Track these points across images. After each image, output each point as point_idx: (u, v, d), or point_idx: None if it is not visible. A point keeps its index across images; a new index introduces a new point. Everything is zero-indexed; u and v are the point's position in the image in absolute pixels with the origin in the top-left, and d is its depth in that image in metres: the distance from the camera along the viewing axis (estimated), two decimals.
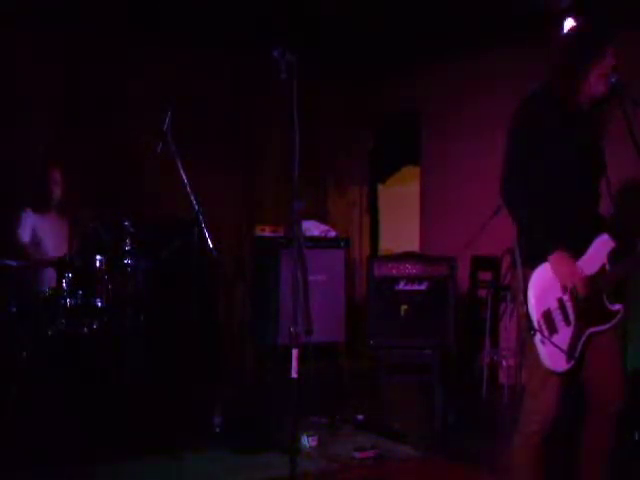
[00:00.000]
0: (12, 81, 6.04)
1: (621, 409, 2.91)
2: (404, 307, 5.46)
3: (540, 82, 2.97)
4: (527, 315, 2.82)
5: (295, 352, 2.86)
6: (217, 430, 4.58)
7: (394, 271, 5.51)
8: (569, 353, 2.82)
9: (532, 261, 2.86)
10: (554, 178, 2.86)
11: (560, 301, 2.85)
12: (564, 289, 2.83)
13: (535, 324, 2.80)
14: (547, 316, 2.83)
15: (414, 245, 7.41)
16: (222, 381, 5.56)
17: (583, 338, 2.86)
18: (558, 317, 2.84)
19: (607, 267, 2.89)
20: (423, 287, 5.46)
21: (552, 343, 2.80)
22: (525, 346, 3.00)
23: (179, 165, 4.67)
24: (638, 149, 2.78)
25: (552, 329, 2.82)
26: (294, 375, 2.86)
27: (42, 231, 5.08)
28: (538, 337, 2.80)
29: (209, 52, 6.91)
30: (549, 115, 2.86)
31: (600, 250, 2.90)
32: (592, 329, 2.87)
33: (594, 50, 2.86)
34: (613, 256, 2.90)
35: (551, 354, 2.81)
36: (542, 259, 2.83)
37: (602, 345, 2.90)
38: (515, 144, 2.90)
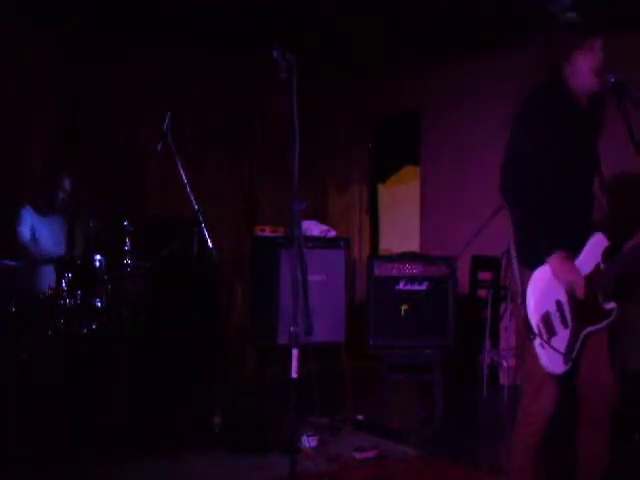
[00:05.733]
0: (12, 81, 6.04)
1: (615, 407, 2.91)
2: (404, 307, 5.45)
3: (540, 81, 2.97)
4: (526, 318, 2.81)
5: (295, 352, 2.85)
6: (217, 430, 4.58)
7: (394, 271, 5.51)
8: (567, 355, 2.82)
9: (531, 261, 2.85)
10: (552, 177, 2.86)
11: (558, 303, 2.84)
12: (565, 290, 2.82)
13: (535, 328, 2.79)
14: (546, 319, 2.82)
15: (414, 245, 7.41)
16: (222, 381, 5.55)
17: (580, 338, 2.86)
18: (556, 319, 2.83)
19: (602, 266, 2.89)
20: (423, 287, 5.46)
21: (551, 347, 2.79)
22: (522, 347, 3.00)
23: (179, 165, 4.68)
24: (637, 148, 2.77)
25: (551, 332, 2.82)
26: (294, 375, 2.85)
27: (41, 230, 5.08)
28: (537, 341, 2.79)
29: (209, 52, 6.91)
30: (549, 114, 2.86)
31: (595, 249, 2.90)
32: (589, 329, 2.87)
33: (577, 44, 2.86)
34: (607, 255, 2.90)
35: (550, 357, 2.80)
36: (542, 260, 2.82)
37: (595, 344, 2.90)
38: (516, 142, 2.89)
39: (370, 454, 4.31)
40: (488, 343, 6.11)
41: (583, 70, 2.86)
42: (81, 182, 5.27)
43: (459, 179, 7.06)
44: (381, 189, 8.23)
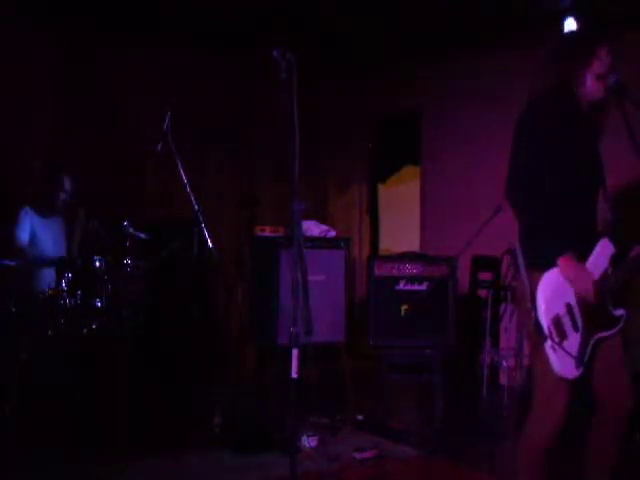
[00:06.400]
0: (12, 81, 6.04)
1: (628, 411, 2.89)
2: (404, 307, 5.46)
3: (543, 84, 2.95)
4: (536, 321, 2.78)
5: (295, 352, 2.85)
6: (217, 430, 4.58)
7: (394, 271, 5.51)
8: (578, 359, 2.78)
9: (540, 263, 2.81)
10: (558, 181, 2.84)
11: (568, 306, 2.81)
12: (576, 294, 2.79)
13: (545, 330, 2.76)
14: (557, 322, 2.78)
15: (414, 245, 7.41)
16: (222, 381, 5.56)
17: (591, 344, 2.83)
18: (567, 323, 2.80)
19: (609, 272, 2.86)
20: (423, 287, 5.46)
21: (563, 349, 2.76)
22: (532, 352, 2.97)
23: (179, 165, 4.68)
24: (638, 150, 2.76)
25: (562, 335, 2.78)
26: (294, 375, 2.85)
27: (41, 231, 5.07)
28: (549, 343, 2.75)
29: (209, 52, 6.91)
30: (555, 118, 2.83)
31: (602, 255, 2.87)
32: (599, 334, 2.84)
33: (584, 53, 2.85)
34: (614, 261, 2.88)
35: (561, 360, 2.77)
36: (552, 262, 2.79)
37: (607, 348, 2.87)
38: (522, 146, 2.85)
39: (370, 454, 4.31)
40: (488, 343, 6.11)
41: (589, 78, 2.85)
42: (81, 182, 5.26)
43: (459, 179, 7.06)
44: (381, 189, 8.23)
